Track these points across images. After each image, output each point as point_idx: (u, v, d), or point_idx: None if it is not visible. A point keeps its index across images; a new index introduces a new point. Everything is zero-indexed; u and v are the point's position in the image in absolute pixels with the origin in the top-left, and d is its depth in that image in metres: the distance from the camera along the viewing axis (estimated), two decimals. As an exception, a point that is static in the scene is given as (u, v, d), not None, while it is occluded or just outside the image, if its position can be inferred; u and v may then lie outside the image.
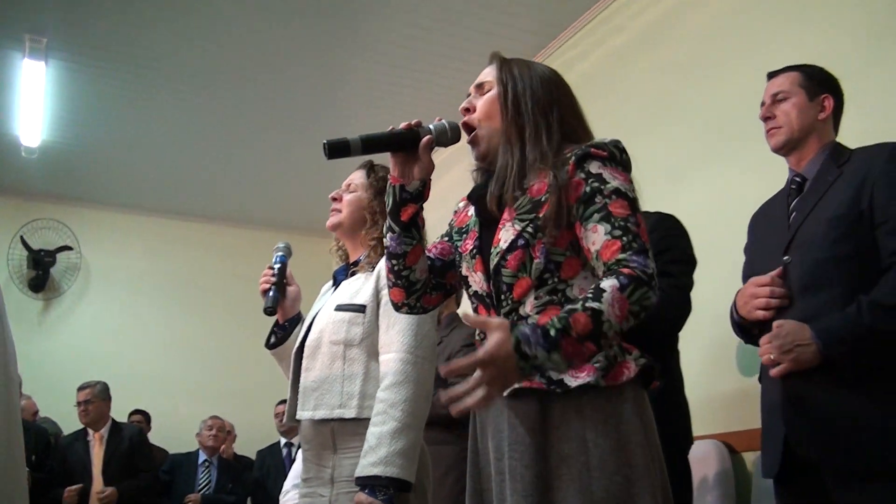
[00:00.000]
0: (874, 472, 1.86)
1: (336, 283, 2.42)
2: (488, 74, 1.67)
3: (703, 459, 3.22)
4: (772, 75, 2.37)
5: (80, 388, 5.15)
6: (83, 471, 4.96)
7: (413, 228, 1.63)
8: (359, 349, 2.21)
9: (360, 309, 2.24)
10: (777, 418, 2.05)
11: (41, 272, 6.45)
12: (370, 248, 2.33)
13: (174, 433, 6.08)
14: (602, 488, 1.37)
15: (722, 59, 3.72)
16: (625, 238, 1.41)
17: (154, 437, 5.97)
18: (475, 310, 1.65)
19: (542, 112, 1.59)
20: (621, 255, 1.40)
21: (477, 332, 1.63)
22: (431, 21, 4.55)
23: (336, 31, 4.63)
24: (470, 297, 1.65)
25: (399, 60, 4.94)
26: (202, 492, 5.53)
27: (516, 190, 1.54)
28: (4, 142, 5.63)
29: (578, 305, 1.34)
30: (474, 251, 1.62)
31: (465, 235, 1.69)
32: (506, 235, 1.53)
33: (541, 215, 1.49)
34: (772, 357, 1.99)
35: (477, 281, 1.59)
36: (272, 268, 2.47)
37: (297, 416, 2.28)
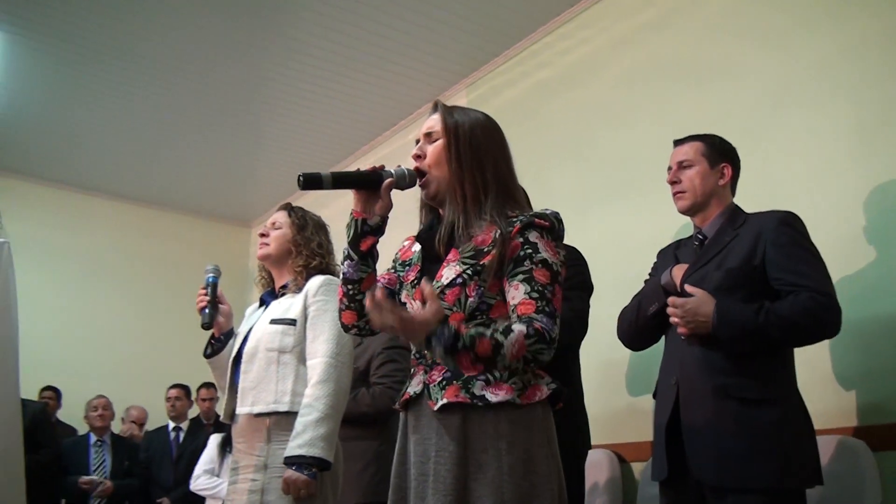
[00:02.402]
0: (743, 488, 2.19)
1: (264, 304, 2.83)
2: (435, 124, 1.89)
3: (596, 466, 3.57)
4: (678, 143, 2.65)
5: None
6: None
7: (369, 258, 1.86)
8: (290, 355, 2.65)
9: (292, 322, 2.67)
10: (663, 437, 2.38)
11: (-45, 241, 6.35)
12: (296, 274, 2.76)
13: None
14: (511, 491, 1.63)
15: (633, 107, 4.06)
16: (540, 302, 1.67)
17: (65, 416, 6.01)
18: None
19: (480, 167, 1.82)
20: (534, 314, 1.65)
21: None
22: (360, 30, 4.77)
23: (266, 25, 4.79)
24: None
25: (325, 65, 5.18)
26: (96, 473, 5.53)
27: (465, 236, 1.78)
28: (-68, 107, 5.56)
29: (489, 332, 1.60)
30: (415, 282, 1.86)
31: (407, 268, 1.93)
32: (448, 273, 1.75)
33: (482, 263, 1.73)
34: (675, 321, 2.34)
35: (415, 308, 1.79)
36: (205, 288, 2.79)
37: (237, 412, 2.65)
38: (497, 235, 1.75)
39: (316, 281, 2.71)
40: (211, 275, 2.83)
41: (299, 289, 2.73)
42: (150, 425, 6.33)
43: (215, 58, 5.14)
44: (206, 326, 2.76)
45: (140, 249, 7.11)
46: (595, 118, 4.30)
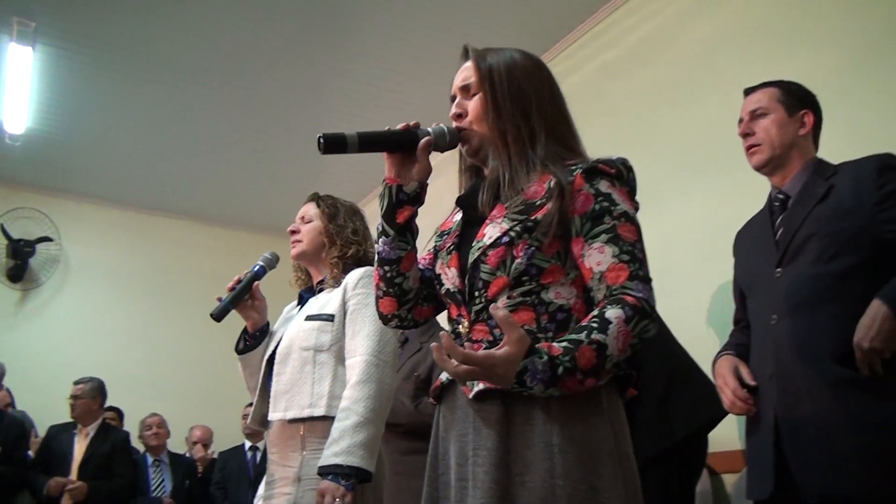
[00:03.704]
0: (861, 496, 1.82)
1: (302, 302, 2.61)
2: (469, 74, 1.62)
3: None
4: (749, 91, 2.34)
5: (75, 383, 5.13)
6: (62, 462, 4.89)
7: (407, 232, 1.60)
8: (327, 354, 2.38)
9: (329, 318, 2.42)
10: (767, 442, 2.00)
11: (20, 262, 6.34)
12: (332, 267, 2.53)
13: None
14: (565, 498, 1.31)
15: (707, 83, 3.71)
16: (632, 265, 1.39)
17: (128, 437, 5.89)
18: (447, 309, 1.60)
19: (523, 114, 1.55)
20: (628, 283, 1.38)
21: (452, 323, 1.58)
22: (421, 26, 4.53)
23: (324, 29, 4.59)
24: (442, 296, 1.61)
25: (387, 63, 4.91)
26: (156, 494, 5.38)
27: (511, 191, 1.50)
28: (-12, 128, 5.53)
29: (583, 335, 1.31)
30: (451, 247, 1.58)
31: (445, 237, 1.65)
32: (491, 231, 1.48)
33: (534, 218, 1.44)
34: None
35: (450, 277, 1.55)
36: (240, 278, 2.57)
37: (269, 418, 2.42)
38: (553, 185, 1.45)
39: (355, 273, 2.46)
40: (259, 263, 2.61)
41: (338, 283, 2.49)
42: (222, 445, 6.13)
43: (271, 63, 4.95)
44: (214, 316, 2.48)
45: (199, 267, 6.95)
46: (665, 98, 3.93)
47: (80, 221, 6.70)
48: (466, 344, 1.47)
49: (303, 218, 2.63)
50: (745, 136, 2.28)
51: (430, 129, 1.58)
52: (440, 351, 1.26)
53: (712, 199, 3.53)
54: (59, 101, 5.33)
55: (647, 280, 1.40)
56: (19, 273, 6.37)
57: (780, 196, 2.20)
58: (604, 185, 1.46)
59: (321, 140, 1.50)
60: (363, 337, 2.35)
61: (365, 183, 6.18)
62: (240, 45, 4.76)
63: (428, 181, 1.60)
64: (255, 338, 2.61)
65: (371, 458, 2.20)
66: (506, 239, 1.45)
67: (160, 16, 4.48)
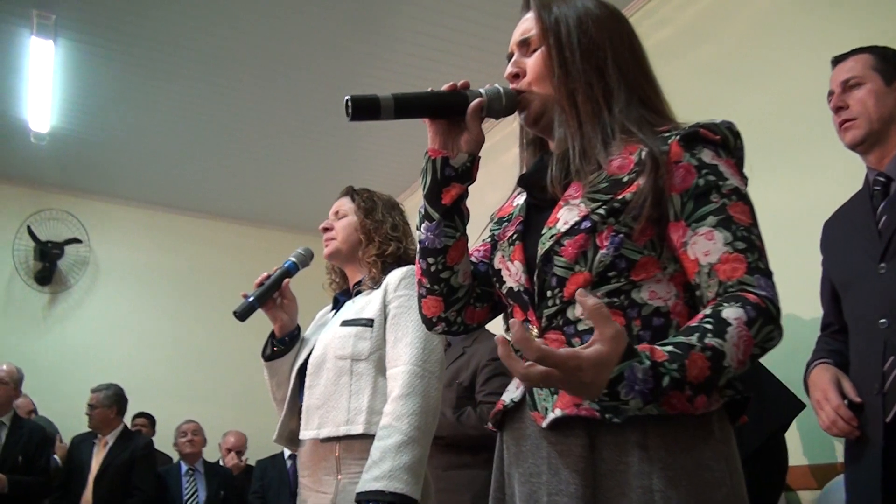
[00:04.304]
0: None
1: (337, 306, 2.34)
2: (530, 27, 1.34)
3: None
4: (838, 60, 2.06)
5: (92, 391, 4.96)
6: (80, 474, 4.74)
7: (456, 216, 1.31)
8: (367, 363, 2.10)
9: (368, 323, 2.13)
10: (874, 476, 1.72)
11: (48, 264, 6.20)
12: (370, 266, 2.25)
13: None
14: None
15: (774, 58, 3.39)
16: (750, 255, 1.11)
17: (159, 443, 5.70)
18: (510, 314, 1.32)
19: (597, 70, 1.26)
20: (747, 277, 1.09)
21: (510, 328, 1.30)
22: (463, 10, 4.25)
23: (359, 19, 4.34)
24: (503, 297, 1.32)
25: (429, 52, 4.62)
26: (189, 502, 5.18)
27: (586, 164, 1.21)
28: (13, 127, 5.37)
29: (695, 339, 1.02)
30: (514, 236, 1.29)
31: (506, 223, 1.36)
32: (567, 215, 1.19)
33: (621, 197, 1.15)
34: None
35: (513, 274, 1.26)
36: (269, 274, 2.31)
37: (301, 437, 2.16)
38: (644, 156, 1.17)
39: (397, 273, 2.18)
40: (291, 259, 2.34)
41: (377, 284, 2.21)
42: (257, 452, 5.91)
43: (302, 54, 4.70)
44: (238, 314, 2.21)
45: (230, 267, 6.73)
46: (726, 76, 3.60)
47: (109, 222, 6.55)
48: None
49: (336, 213, 2.37)
50: (837, 109, 2.00)
51: (482, 91, 1.30)
52: (506, 346, 0.96)
53: (788, 187, 3.20)
54: (84, 97, 5.14)
55: (768, 274, 1.11)
56: (48, 276, 6.24)
57: (881, 178, 1.92)
58: (707, 155, 1.16)
59: (349, 103, 1.23)
60: (406, 344, 2.07)
61: (405, 177, 5.94)
62: (269, 37, 4.52)
63: (480, 154, 1.32)
64: (284, 343, 2.33)
65: (417, 483, 1.92)
66: (587, 224, 1.16)
67: (186, 6, 4.25)
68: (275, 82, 4.99)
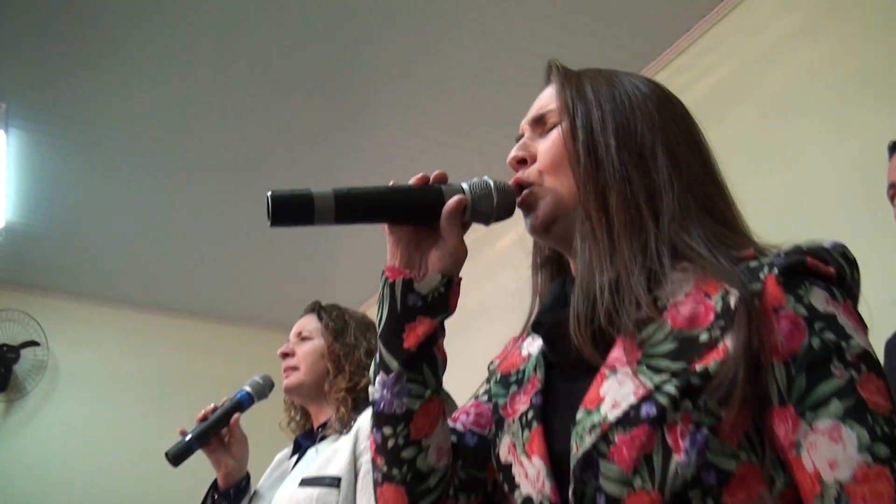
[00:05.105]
0: None
1: (298, 451, 1.94)
2: (549, 101, 0.96)
3: None
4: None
5: None
6: None
7: (426, 365, 0.90)
8: None
9: (334, 483, 1.70)
10: None
11: (3, 370, 5.72)
12: (338, 402, 1.84)
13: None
14: None
15: (792, 136, 2.99)
16: None
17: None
18: None
19: (638, 162, 0.88)
20: None
21: None
22: (451, 94, 3.91)
23: (336, 106, 4.03)
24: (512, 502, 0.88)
25: (413, 141, 4.28)
26: None
27: (628, 307, 0.80)
28: (-35, 222, 4.98)
29: None
30: (529, 415, 0.87)
31: (515, 387, 0.94)
32: (618, 392, 0.78)
33: (699, 368, 0.74)
34: None
35: (531, 477, 0.83)
36: (216, 406, 1.96)
37: None
38: (733, 303, 0.76)
39: (369, 415, 1.74)
40: (244, 389, 1.99)
41: (346, 427, 1.83)
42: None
43: (280, 144, 4.36)
44: (171, 457, 1.87)
45: (204, 370, 6.29)
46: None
47: (69, 322, 6.09)
48: None
49: (299, 334, 2.02)
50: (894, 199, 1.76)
51: (464, 185, 0.93)
52: None
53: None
54: (40, 189, 4.76)
55: None
56: (3, 382, 5.73)
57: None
58: (819, 299, 0.77)
59: (270, 203, 0.91)
60: None
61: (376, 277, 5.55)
62: (241, 123, 4.18)
63: (460, 274, 0.94)
64: (227, 498, 1.93)
65: None
66: (650, 410, 0.75)
67: (146, 90, 3.91)
68: (247, 170, 4.62)
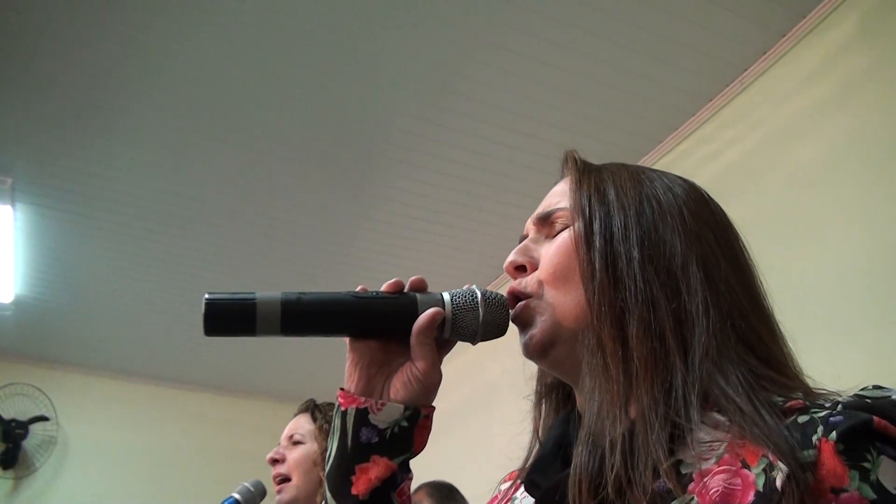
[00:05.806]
0: None
1: None
2: (561, 197, 0.82)
3: None
4: None
5: None
6: None
7: None
8: None
9: None
10: None
11: (11, 446, 5.60)
12: None
13: None
14: None
15: (810, 215, 2.81)
16: None
17: None
18: None
19: (666, 280, 0.72)
20: None
21: None
22: (465, 170, 3.80)
23: (348, 178, 3.94)
24: None
25: (424, 213, 4.19)
26: None
27: (645, 469, 0.64)
28: (-26, 297, 4.93)
29: None
30: None
31: None
32: None
33: None
34: None
35: None
36: None
37: None
38: (778, 481, 0.58)
39: None
40: (233, 496, 1.83)
41: None
42: None
43: (293, 219, 4.30)
44: None
45: (218, 444, 6.20)
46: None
47: (79, 397, 5.99)
48: None
49: (291, 438, 1.88)
50: None
51: (445, 295, 0.78)
52: None
53: (828, 356, 2.52)
54: (49, 262, 4.71)
55: None
56: (11, 458, 5.61)
57: None
58: (890, 476, 0.58)
59: (206, 307, 0.76)
60: None
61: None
62: (248, 197, 4.11)
63: (433, 403, 0.78)
64: None
65: None
66: None
67: (154, 164, 3.85)
68: (258, 243, 4.55)
